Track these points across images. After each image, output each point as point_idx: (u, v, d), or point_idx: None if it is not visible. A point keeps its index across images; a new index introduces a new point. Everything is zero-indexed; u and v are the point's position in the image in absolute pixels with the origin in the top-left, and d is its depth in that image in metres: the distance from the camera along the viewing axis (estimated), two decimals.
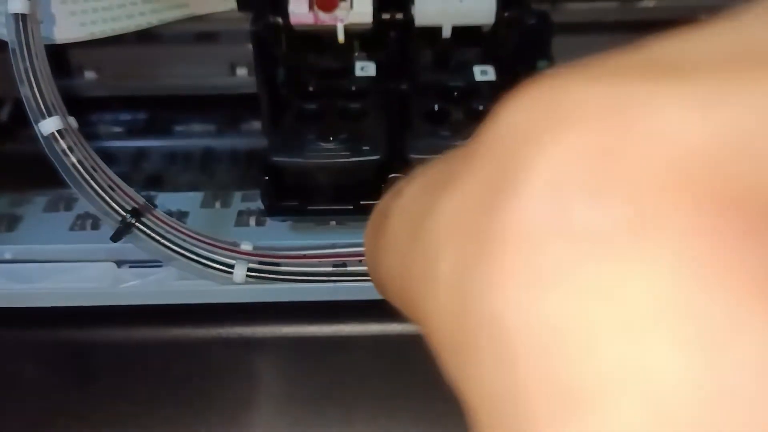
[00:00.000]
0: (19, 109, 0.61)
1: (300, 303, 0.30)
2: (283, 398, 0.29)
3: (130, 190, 0.43)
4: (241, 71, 0.63)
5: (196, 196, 0.55)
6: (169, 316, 0.28)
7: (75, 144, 0.42)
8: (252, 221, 0.52)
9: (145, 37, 0.62)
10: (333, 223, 0.52)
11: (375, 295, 0.35)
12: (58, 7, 0.51)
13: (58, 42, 0.52)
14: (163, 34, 0.63)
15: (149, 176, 0.60)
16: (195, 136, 0.64)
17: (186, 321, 0.28)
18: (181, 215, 0.53)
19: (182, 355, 0.28)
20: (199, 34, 0.64)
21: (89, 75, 0.64)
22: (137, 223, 0.41)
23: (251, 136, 0.64)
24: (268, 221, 0.51)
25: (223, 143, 0.63)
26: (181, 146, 0.63)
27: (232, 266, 0.42)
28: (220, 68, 0.63)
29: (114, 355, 0.28)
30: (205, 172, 0.60)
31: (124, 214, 0.41)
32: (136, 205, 0.42)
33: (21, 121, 0.65)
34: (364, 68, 0.54)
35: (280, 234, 0.50)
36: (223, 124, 0.65)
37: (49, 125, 0.41)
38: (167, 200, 0.54)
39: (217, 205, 0.54)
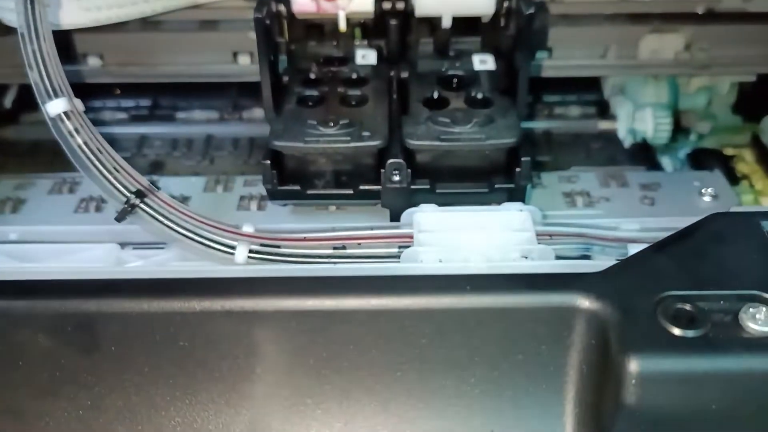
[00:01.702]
0: (23, 95, 0.61)
1: (299, 277, 0.31)
2: (282, 369, 0.29)
3: (135, 172, 0.44)
4: (244, 59, 0.64)
5: (199, 181, 0.55)
6: (172, 288, 0.29)
7: (81, 126, 0.42)
8: (253, 205, 0.53)
9: (149, 24, 0.63)
10: (333, 207, 0.52)
11: (374, 272, 0.36)
12: None
13: (64, 27, 0.53)
14: (166, 22, 0.64)
15: (152, 161, 0.61)
16: (197, 123, 0.65)
17: (188, 293, 0.29)
18: (184, 199, 0.54)
19: (185, 327, 0.29)
20: (202, 22, 0.65)
21: (93, 61, 0.64)
22: (141, 204, 0.42)
23: (253, 122, 0.65)
24: (269, 206, 0.52)
25: (225, 129, 0.64)
26: (183, 132, 0.64)
27: (234, 247, 0.43)
28: (222, 56, 0.64)
29: (119, 325, 0.29)
30: (208, 158, 0.61)
31: (129, 194, 0.42)
32: (140, 187, 0.43)
33: (25, 106, 0.66)
34: (365, 56, 0.55)
35: (280, 218, 0.51)
36: (226, 111, 0.66)
37: (56, 107, 0.41)
38: (170, 184, 0.55)
39: (219, 189, 0.55)
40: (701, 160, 0.61)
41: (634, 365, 0.26)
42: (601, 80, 0.67)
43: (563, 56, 0.65)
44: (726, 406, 0.26)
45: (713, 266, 0.30)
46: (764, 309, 0.28)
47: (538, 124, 0.64)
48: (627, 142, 0.63)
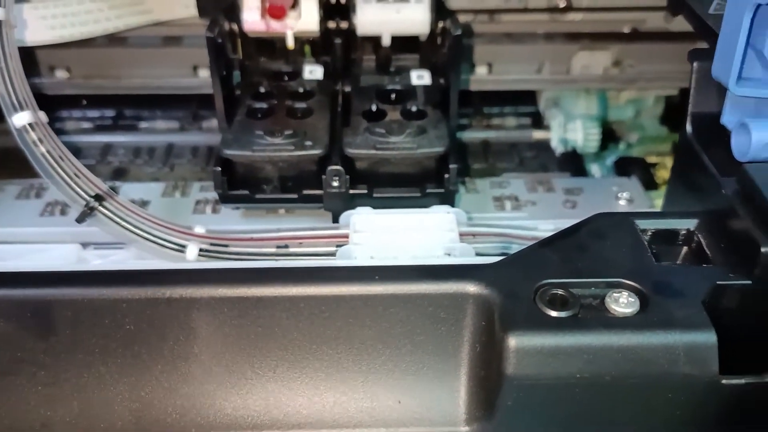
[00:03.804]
0: None
1: (231, 269, 0.35)
2: (216, 348, 0.34)
3: (94, 178, 0.48)
4: (203, 72, 0.68)
5: (158, 186, 0.60)
6: (118, 279, 0.33)
7: (44, 136, 0.46)
8: (208, 209, 0.57)
9: (115, 40, 0.67)
10: (282, 211, 0.57)
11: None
12: (29, 12, 0.56)
13: (29, 44, 0.57)
14: (131, 37, 0.68)
15: (116, 168, 0.65)
16: (159, 132, 0.69)
17: (133, 283, 0.33)
18: (143, 203, 0.58)
19: (130, 312, 0.33)
20: (164, 38, 0.69)
21: (61, 74, 0.68)
22: (100, 207, 0.46)
23: (212, 132, 0.69)
24: (222, 209, 0.57)
25: (185, 138, 0.68)
26: (146, 141, 0.68)
27: (185, 246, 0.47)
28: (183, 69, 0.68)
29: (72, 311, 0.33)
30: (168, 165, 0.65)
31: (88, 198, 0.46)
32: (99, 191, 0.47)
33: None
34: (313, 71, 0.60)
35: (233, 220, 0.56)
36: (186, 121, 0.70)
37: (21, 119, 0.45)
38: (131, 190, 0.59)
39: (177, 194, 0.59)
40: (626, 167, 0.67)
41: (512, 341, 0.31)
42: (536, 93, 0.72)
43: (502, 71, 0.71)
44: (589, 374, 0.31)
45: (588, 258, 0.34)
46: (626, 294, 0.33)
47: (477, 134, 0.69)
48: (558, 150, 0.68)
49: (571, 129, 0.68)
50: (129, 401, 0.34)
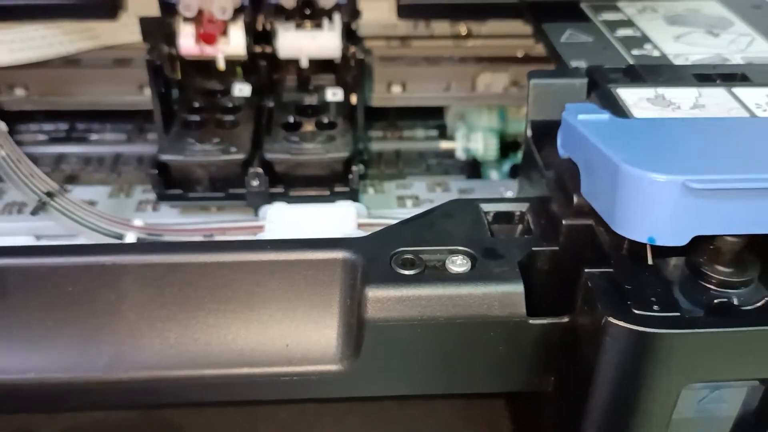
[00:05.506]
0: None
1: (150, 242, 0.43)
2: (143, 307, 0.42)
3: (47, 178, 0.56)
4: (148, 91, 0.76)
5: (105, 189, 0.68)
6: (61, 251, 0.42)
7: (3, 142, 0.55)
8: (149, 207, 0.66)
9: (70, 61, 0.75)
10: (215, 208, 0.66)
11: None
12: None
13: None
14: (84, 59, 0.76)
15: (68, 175, 0.73)
16: (108, 143, 0.78)
17: (72, 254, 0.41)
18: (91, 203, 0.66)
19: (69, 279, 0.41)
20: (114, 59, 0.78)
21: (19, 92, 0.76)
22: (51, 202, 0.55)
23: (156, 143, 0.77)
24: (162, 207, 0.65)
25: (132, 149, 0.77)
26: (96, 151, 0.76)
27: (125, 236, 0.56)
28: (130, 88, 0.77)
29: (20, 278, 0.41)
30: (116, 172, 0.74)
31: (41, 194, 0.54)
32: (50, 189, 0.55)
33: None
34: (242, 89, 0.69)
35: (171, 217, 0.64)
36: (133, 134, 0.79)
37: None
38: (80, 192, 0.67)
39: (122, 196, 0.67)
40: (518, 171, 0.77)
41: (369, 292, 0.40)
42: (444, 109, 0.82)
43: (414, 90, 0.81)
44: (427, 317, 0.40)
45: (437, 232, 0.44)
46: (461, 257, 0.42)
47: (391, 145, 0.79)
48: (462, 159, 0.78)
49: (473, 140, 0.78)
50: (69, 349, 0.42)
